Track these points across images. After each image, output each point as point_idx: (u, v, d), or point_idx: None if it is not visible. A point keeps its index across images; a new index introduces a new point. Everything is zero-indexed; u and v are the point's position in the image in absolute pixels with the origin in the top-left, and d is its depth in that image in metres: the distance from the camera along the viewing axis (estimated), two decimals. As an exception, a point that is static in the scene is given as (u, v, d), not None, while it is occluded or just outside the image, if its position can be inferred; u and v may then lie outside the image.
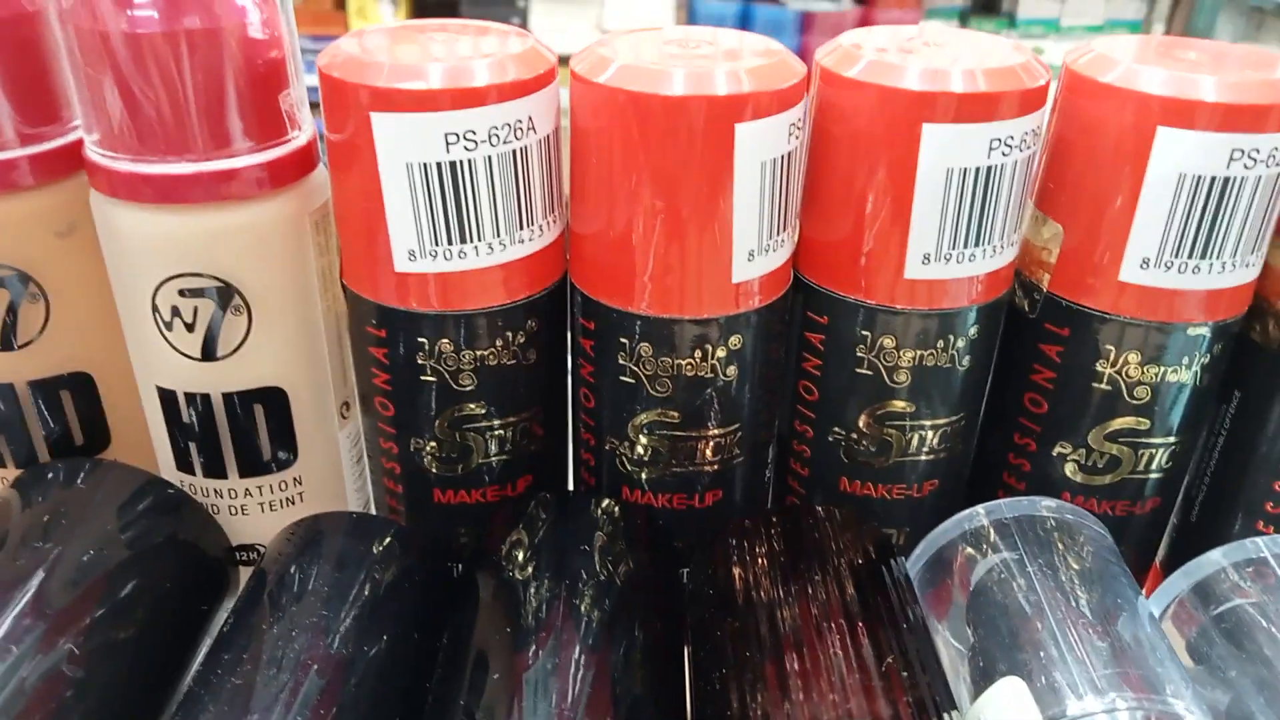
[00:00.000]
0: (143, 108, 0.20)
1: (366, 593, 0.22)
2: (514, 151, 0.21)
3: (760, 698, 0.19)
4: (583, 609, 0.21)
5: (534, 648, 0.20)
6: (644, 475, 0.24)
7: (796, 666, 0.19)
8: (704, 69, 0.20)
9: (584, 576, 0.22)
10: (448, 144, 0.20)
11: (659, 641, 0.22)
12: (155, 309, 0.22)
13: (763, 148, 0.20)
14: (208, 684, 0.20)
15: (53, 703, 0.19)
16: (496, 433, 0.24)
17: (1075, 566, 0.23)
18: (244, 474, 0.24)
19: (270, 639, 0.21)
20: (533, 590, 0.22)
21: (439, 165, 0.20)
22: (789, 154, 0.21)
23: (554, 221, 0.23)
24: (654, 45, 0.21)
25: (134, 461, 0.25)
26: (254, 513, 0.24)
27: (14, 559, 0.21)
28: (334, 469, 0.25)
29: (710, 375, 0.23)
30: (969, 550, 0.24)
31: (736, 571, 0.22)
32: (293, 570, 0.23)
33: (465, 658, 0.21)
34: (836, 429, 0.24)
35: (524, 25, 1.40)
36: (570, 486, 0.27)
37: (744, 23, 1.48)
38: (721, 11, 1.50)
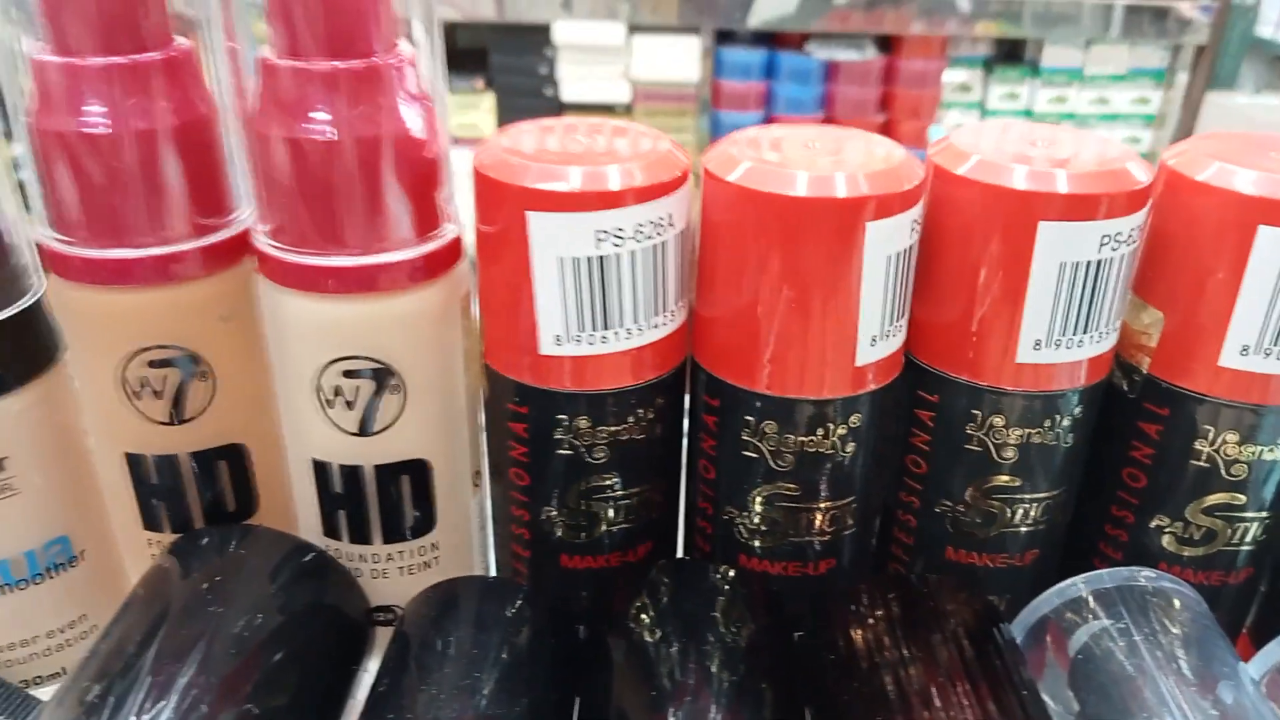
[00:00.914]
0: (318, 206, 0.22)
1: (506, 654, 0.23)
2: (654, 246, 0.22)
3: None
4: (714, 670, 0.23)
5: (673, 709, 0.21)
6: (760, 544, 0.26)
7: (932, 733, 0.20)
8: (834, 170, 0.22)
9: (712, 640, 0.23)
10: (597, 240, 0.22)
11: (784, 702, 0.23)
12: (319, 389, 0.23)
13: (889, 243, 0.22)
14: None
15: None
16: (622, 502, 0.25)
17: (1177, 633, 0.24)
18: (387, 540, 0.25)
19: (424, 701, 0.22)
20: (665, 653, 0.23)
21: (588, 259, 0.22)
22: (910, 247, 0.23)
23: (682, 307, 0.24)
24: (779, 143, 0.23)
25: (275, 525, 0.26)
26: (393, 576, 0.26)
27: (180, 627, 0.23)
28: (465, 535, 0.27)
29: (830, 451, 0.24)
30: (1070, 617, 0.25)
31: (858, 635, 0.24)
32: (436, 633, 0.24)
33: (606, 718, 0.22)
34: (944, 501, 0.26)
35: (552, 74, 1.43)
36: (680, 552, 0.28)
37: (769, 72, 1.51)
38: (747, 61, 1.53)
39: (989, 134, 0.24)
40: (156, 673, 0.21)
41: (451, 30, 1.37)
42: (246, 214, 0.25)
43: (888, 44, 1.45)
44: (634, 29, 1.41)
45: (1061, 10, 1.33)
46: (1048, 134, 0.24)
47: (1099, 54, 1.40)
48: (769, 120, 1.54)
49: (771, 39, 1.48)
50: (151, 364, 0.24)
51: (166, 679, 0.21)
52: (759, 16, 1.38)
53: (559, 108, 1.42)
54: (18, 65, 0.22)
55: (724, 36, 1.45)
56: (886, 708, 0.21)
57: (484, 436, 0.26)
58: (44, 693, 0.26)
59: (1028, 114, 1.43)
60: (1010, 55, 1.48)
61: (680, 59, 1.50)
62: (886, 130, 1.47)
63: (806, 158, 0.22)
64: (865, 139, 0.24)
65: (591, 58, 1.52)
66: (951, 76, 1.43)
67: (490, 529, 0.28)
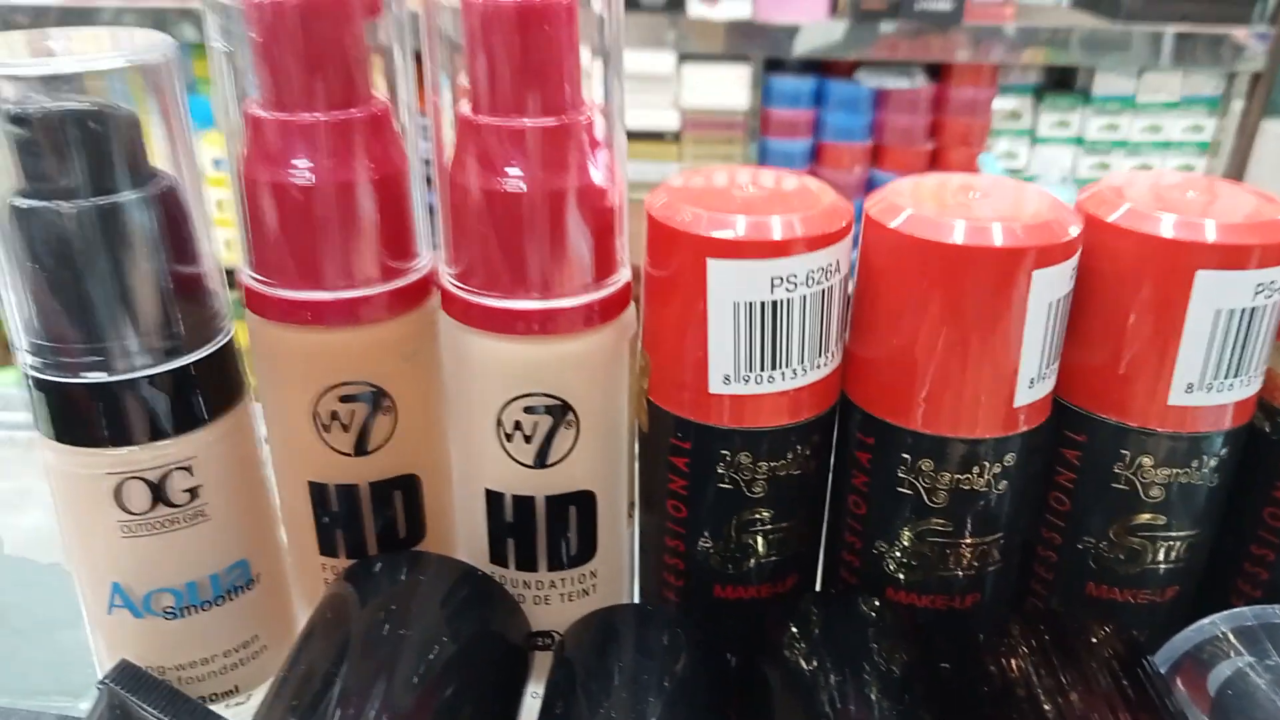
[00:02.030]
0: (507, 253, 0.24)
1: (669, 682, 0.24)
2: (823, 291, 0.24)
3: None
4: (873, 699, 0.23)
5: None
6: (908, 577, 0.26)
7: (1108, 767, 0.21)
8: (996, 219, 0.23)
9: (868, 669, 0.24)
10: (772, 286, 0.23)
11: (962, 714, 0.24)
12: (500, 423, 0.25)
13: (1051, 290, 0.23)
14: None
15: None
16: (773, 535, 0.26)
17: (1322, 672, 0.25)
18: (551, 567, 0.26)
19: None
20: (823, 681, 0.24)
21: (762, 304, 0.23)
22: (1068, 294, 0.24)
23: (840, 348, 0.25)
24: (939, 191, 0.24)
25: (440, 551, 0.27)
26: (555, 602, 0.27)
27: (363, 658, 0.24)
28: (619, 563, 0.28)
29: (984, 489, 0.25)
30: (1211, 653, 0.26)
31: (1011, 667, 0.24)
32: (603, 660, 0.25)
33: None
34: (1086, 538, 0.26)
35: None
36: (818, 584, 0.29)
37: (818, 99, 1.53)
38: (796, 89, 1.55)
39: (1139, 182, 0.25)
40: (345, 705, 0.22)
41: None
42: (427, 258, 0.26)
43: (937, 72, 1.46)
44: (683, 58, 1.43)
45: (1110, 38, 1.33)
46: (1199, 183, 0.25)
47: (1151, 81, 1.40)
48: (817, 147, 1.55)
49: (820, 67, 1.49)
50: (342, 399, 0.25)
51: (356, 712, 0.22)
52: (805, 45, 1.40)
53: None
54: (231, 118, 0.24)
55: (773, 65, 1.46)
56: (1058, 716, 0.22)
57: (637, 468, 0.28)
58: (219, 708, 0.28)
59: (1079, 142, 1.43)
60: (1060, 83, 1.48)
61: (729, 87, 1.52)
62: (935, 157, 1.48)
63: (966, 207, 0.24)
64: (1017, 187, 0.25)
65: (641, 86, 1.54)
66: (1001, 104, 1.44)
67: (638, 558, 0.29)
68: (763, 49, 1.42)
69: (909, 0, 1.35)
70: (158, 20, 1.33)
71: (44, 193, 0.23)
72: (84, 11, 1.33)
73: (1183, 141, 1.41)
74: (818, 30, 1.37)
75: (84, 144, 0.23)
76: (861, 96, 1.52)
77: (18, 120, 0.22)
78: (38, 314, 0.24)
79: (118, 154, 0.23)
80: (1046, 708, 0.23)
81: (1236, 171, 1.35)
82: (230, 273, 0.26)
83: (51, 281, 0.24)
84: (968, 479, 0.25)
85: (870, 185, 1.53)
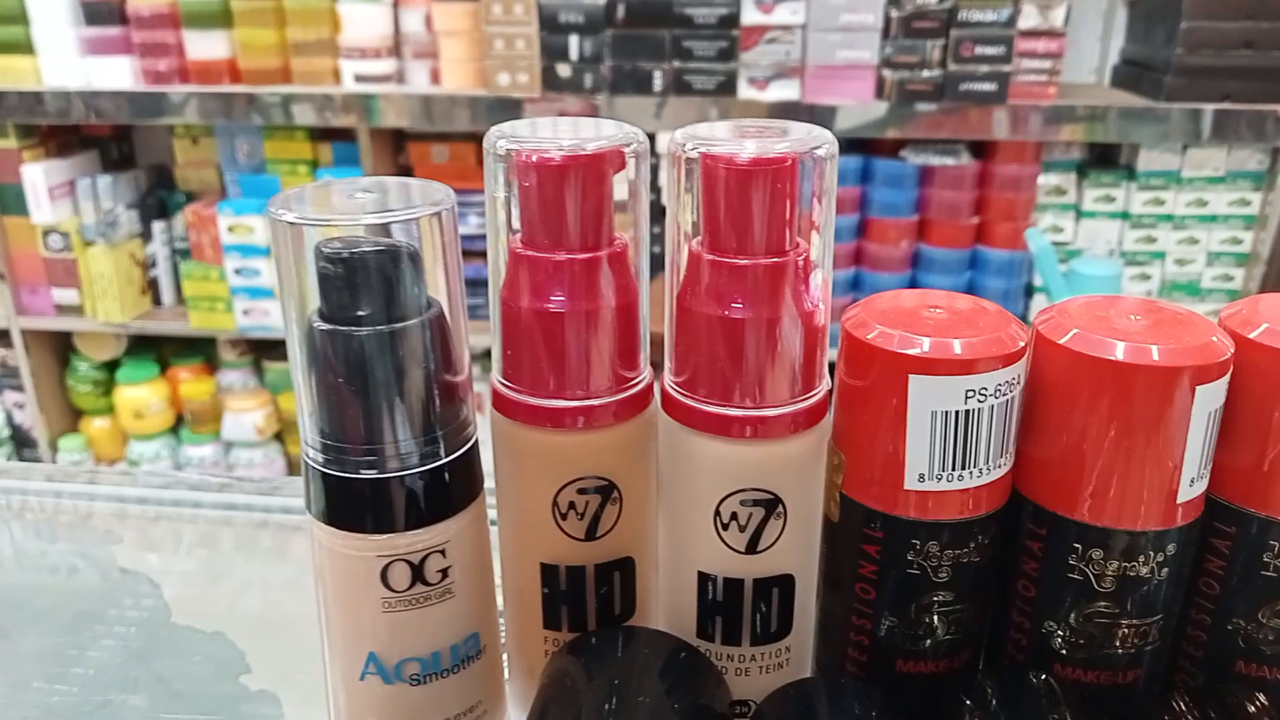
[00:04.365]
0: (729, 367, 0.28)
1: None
2: (1006, 401, 0.27)
3: None
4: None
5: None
6: (1073, 654, 0.29)
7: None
8: (1164, 341, 0.26)
9: (1048, 740, 0.27)
10: (966, 397, 0.27)
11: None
12: (717, 514, 0.28)
13: (1211, 402, 0.26)
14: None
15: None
16: (953, 615, 0.29)
17: None
18: (754, 643, 0.30)
19: None
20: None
21: (956, 413, 0.27)
22: (1223, 404, 0.27)
23: (1014, 449, 0.29)
24: (1095, 314, 0.28)
25: (648, 626, 0.31)
26: (754, 674, 0.30)
27: None
28: (809, 639, 0.31)
29: (1148, 575, 0.28)
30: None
31: (1181, 741, 0.27)
32: (808, 727, 0.28)
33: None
34: (1236, 619, 0.29)
35: (654, 181, 1.52)
36: (983, 661, 0.32)
37: (864, 176, 1.58)
38: (842, 166, 1.61)
39: (1273, 305, 0.29)
40: None
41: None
42: (647, 372, 0.30)
43: (982, 149, 1.51)
44: (737, 138, 1.50)
45: (1149, 114, 1.38)
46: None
47: (1196, 157, 1.44)
48: (865, 222, 1.60)
49: (866, 146, 1.55)
50: (579, 491, 0.29)
51: None
52: (848, 123, 1.46)
53: (660, 212, 1.50)
54: (499, 251, 0.29)
55: (823, 144, 1.52)
56: None
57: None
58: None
59: (1125, 216, 1.47)
60: (1104, 158, 1.53)
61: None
62: (981, 231, 1.52)
63: (1129, 326, 0.27)
64: (1173, 310, 0.29)
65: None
66: (1046, 180, 1.49)
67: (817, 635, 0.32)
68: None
69: (954, 82, 1.41)
70: (225, 105, 1.43)
71: (340, 318, 0.27)
72: (154, 96, 1.43)
73: (1229, 215, 1.44)
74: (860, 110, 1.43)
75: (378, 279, 0.27)
76: (907, 173, 1.57)
77: (332, 260, 0.27)
78: (326, 418, 0.28)
79: (404, 286, 0.28)
80: (1220, 776, 0.26)
81: (1283, 245, 1.38)
82: (474, 380, 0.30)
83: (341, 392, 0.28)
84: (1133, 566, 0.28)
85: (916, 259, 1.58)
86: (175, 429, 1.74)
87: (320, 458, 0.28)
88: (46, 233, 1.57)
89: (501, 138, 0.28)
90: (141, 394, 1.68)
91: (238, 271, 1.55)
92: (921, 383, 0.27)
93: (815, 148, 0.27)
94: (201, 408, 1.70)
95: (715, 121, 0.29)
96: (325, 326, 0.27)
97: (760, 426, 0.28)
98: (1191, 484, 0.27)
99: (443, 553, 0.29)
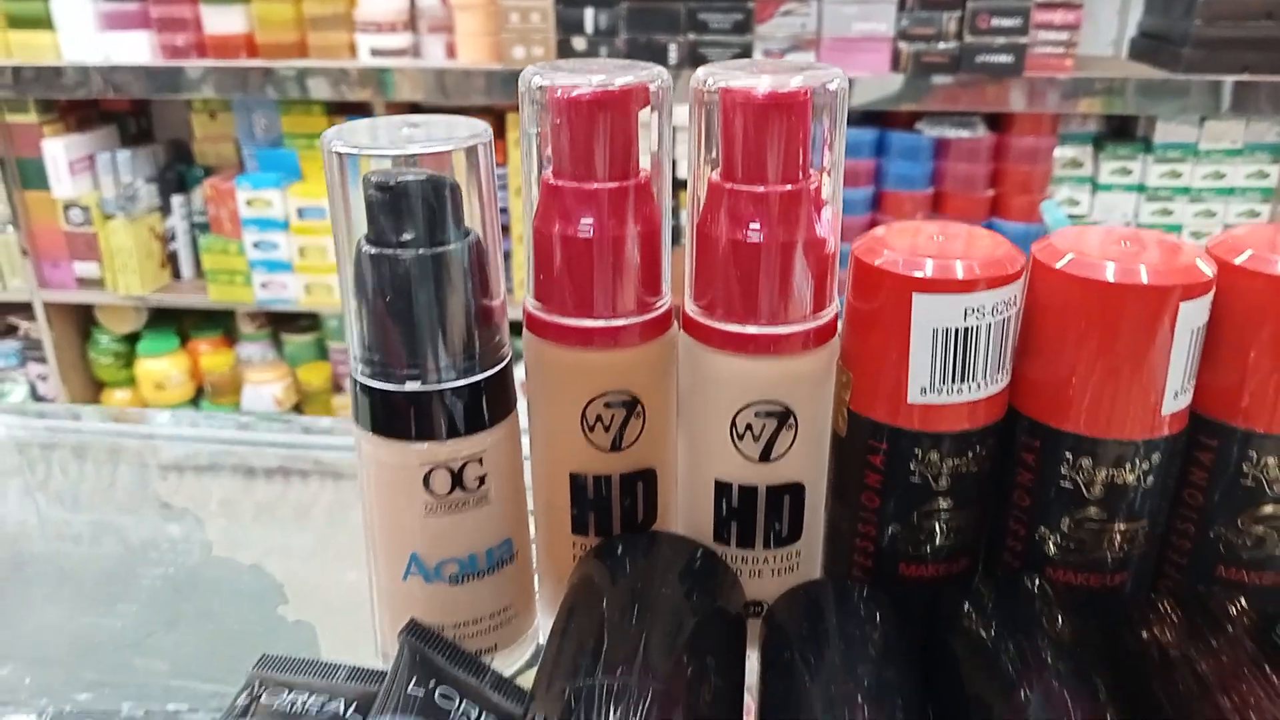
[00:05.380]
0: (746, 290, 0.30)
1: (869, 644, 0.30)
2: (1003, 320, 0.29)
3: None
4: (1050, 662, 0.28)
5: (1025, 691, 0.27)
6: (1067, 559, 0.32)
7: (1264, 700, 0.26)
8: (1150, 261, 0.28)
9: (1039, 636, 0.29)
10: (965, 315, 0.29)
11: (1111, 687, 0.29)
12: (734, 425, 0.31)
13: (1194, 319, 0.28)
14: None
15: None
16: (952, 522, 0.32)
17: None
18: (766, 546, 0.32)
19: (818, 691, 0.28)
20: (1005, 647, 0.29)
21: (956, 330, 0.29)
22: (1206, 323, 0.29)
23: (1010, 367, 0.31)
24: (1092, 240, 0.30)
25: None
26: (766, 576, 0.33)
27: (623, 622, 0.29)
28: (817, 545, 0.34)
29: (1135, 483, 0.30)
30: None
31: (1164, 632, 0.29)
32: (813, 626, 0.30)
33: (963, 699, 0.28)
34: (1218, 527, 0.31)
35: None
36: (981, 566, 0.34)
37: (879, 149, 1.59)
38: (857, 139, 1.61)
39: (1258, 234, 0.31)
40: (610, 668, 0.26)
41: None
42: (669, 298, 0.32)
43: (997, 121, 1.51)
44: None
45: (1167, 87, 1.38)
46: (1309, 234, 0.30)
47: (1214, 129, 1.44)
48: (879, 195, 1.60)
49: (881, 118, 1.56)
50: (606, 404, 0.31)
51: (623, 683, 0.26)
52: (864, 96, 1.46)
53: (674, 185, 1.52)
54: (532, 184, 0.31)
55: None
56: (1204, 688, 0.27)
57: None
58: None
59: (1141, 189, 1.47)
60: (1121, 131, 1.53)
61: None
62: (996, 204, 1.53)
63: (1120, 251, 0.29)
64: (1162, 237, 0.31)
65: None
66: (1061, 153, 1.49)
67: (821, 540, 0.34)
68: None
69: (970, 54, 1.41)
70: (241, 79, 1.45)
71: (387, 242, 0.30)
72: (172, 71, 1.46)
73: (1246, 188, 1.44)
74: (876, 82, 1.43)
75: (421, 206, 0.30)
76: (922, 146, 1.57)
77: (380, 188, 0.29)
78: (372, 335, 0.31)
79: (445, 213, 0.30)
80: (1195, 665, 0.28)
81: (1299, 217, 1.38)
82: (508, 305, 0.33)
83: (387, 311, 0.30)
84: (1121, 474, 0.30)
85: (932, 230, 1.58)
86: (195, 400, 1.78)
87: (367, 371, 0.31)
88: (67, 207, 1.60)
89: (536, 74, 0.30)
90: (162, 366, 1.72)
91: (256, 245, 1.57)
92: (924, 301, 0.29)
93: (827, 82, 0.29)
94: (221, 380, 1.74)
95: (732, 60, 0.31)
96: (373, 250, 0.30)
97: (774, 343, 0.30)
98: (1176, 397, 0.29)
99: (480, 461, 0.32)
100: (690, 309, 0.31)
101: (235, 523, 0.51)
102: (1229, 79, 1.34)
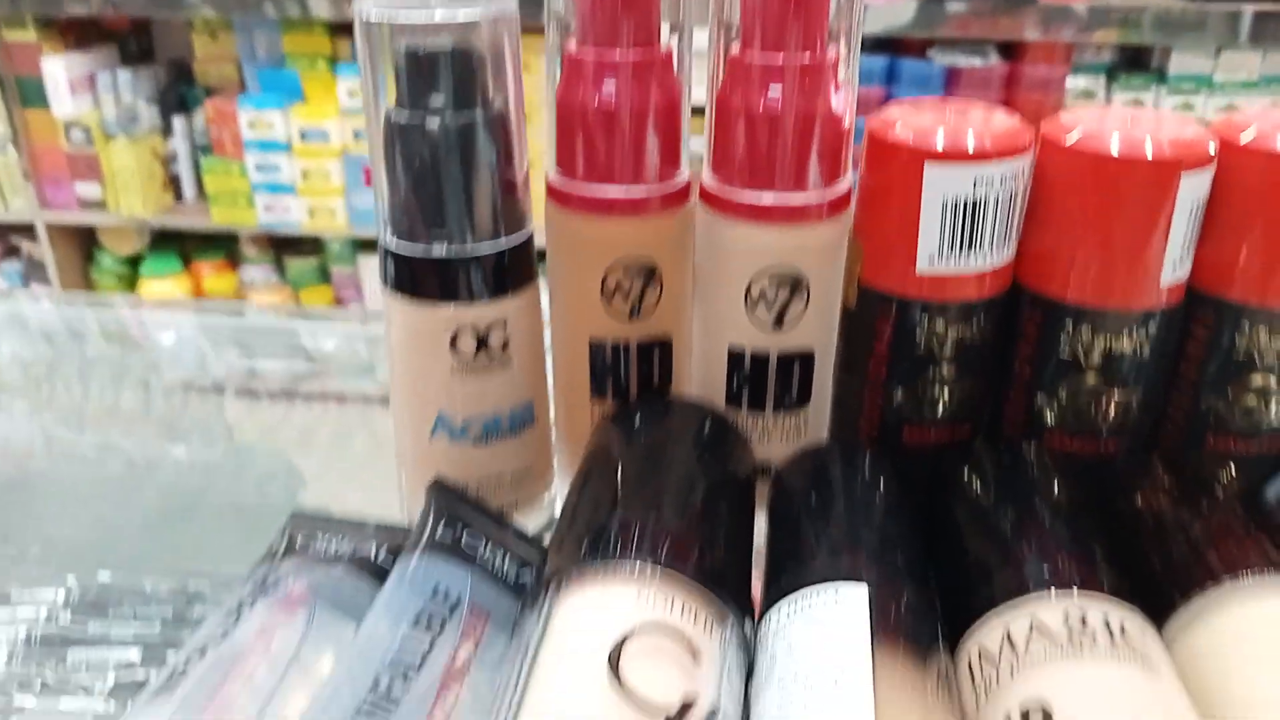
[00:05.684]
0: (763, 159, 0.31)
1: (876, 500, 0.31)
2: (1010, 192, 0.30)
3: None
4: (1047, 524, 0.30)
5: (1023, 548, 0.29)
6: (1064, 426, 0.33)
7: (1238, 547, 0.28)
8: (1155, 136, 0.29)
9: (1037, 499, 0.31)
10: (974, 185, 0.30)
11: (1105, 546, 0.30)
12: (748, 293, 0.32)
13: (1194, 191, 0.29)
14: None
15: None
16: (956, 392, 0.33)
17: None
18: (775, 410, 0.34)
19: (825, 546, 0.29)
20: (1004, 509, 0.31)
21: (965, 200, 0.30)
22: (1206, 197, 0.30)
23: (1015, 241, 0.32)
24: (1101, 119, 0.31)
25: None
26: (774, 439, 0.34)
27: (640, 481, 0.30)
28: (824, 411, 0.35)
29: (1132, 353, 0.32)
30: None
31: (1155, 494, 0.31)
32: (821, 484, 0.32)
33: (963, 559, 0.30)
34: (1209, 398, 0.33)
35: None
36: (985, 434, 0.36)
37: (890, 77, 1.57)
38: (868, 67, 1.59)
39: (1266, 116, 0.31)
40: (626, 526, 0.27)
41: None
42: (687, 171, 0.33)
43: (1011, 50, 1.49)
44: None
45: (1185, 17, 1.35)
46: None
47: (1229, 61, 1.42)
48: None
49: (892, 45, 1.54)
50: (625, 271, 0.33)
51: (640, 531, 0.27)
52: (876, 24, 1.44)
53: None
54: (552, 53, 0.32)
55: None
56: (1194, 548, 0.29)
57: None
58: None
59: (1152, 119, 1.46)
60: (1135, 62, 1.51)
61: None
62: (1007, 134, 1.51)
63: (1127, 129, 0.30)
64: (1166, 114, 0.31)
65: (718, 63, 1.59)
66: (1074, 83, 1.47)
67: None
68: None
69: (986, -20, 1.38)
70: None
71: (415, 109, 0.31)
72: None
73: (1257, 120, 1.43)
74: (888, 10, 1.41)
75: (447, 75, 0.30)
76: (934, 73, 1.56)
77: (408, 55, 0.30)
78: (400, 200, 0.32)
79: (472, 83, 0.31)
80: (1183, 520, 0.30)
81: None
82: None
83: (415, 176, 0.31)
84: (1118, 343, 0.31)
85: (940, 161, 1.57)
86: (203, 322, 1.79)
87: (398, 238, 0.32)
88: (68, 126, 1.58)
89: (561, -58, 0.31)
90: (165, 288, 1.72)
91: (258, 167, 1.56)
92: (935, 170, 0.30)
93: (847, -47, 0.30)
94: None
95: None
96: (401, 116, 0.31)
97: (789, 213, 0.31)
98: (1174, 268, 0.31)
99: (504, 325, 0.33)
100: (708, 181, 0.32)
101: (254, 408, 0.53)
102: (1249, 7, 1.32)
